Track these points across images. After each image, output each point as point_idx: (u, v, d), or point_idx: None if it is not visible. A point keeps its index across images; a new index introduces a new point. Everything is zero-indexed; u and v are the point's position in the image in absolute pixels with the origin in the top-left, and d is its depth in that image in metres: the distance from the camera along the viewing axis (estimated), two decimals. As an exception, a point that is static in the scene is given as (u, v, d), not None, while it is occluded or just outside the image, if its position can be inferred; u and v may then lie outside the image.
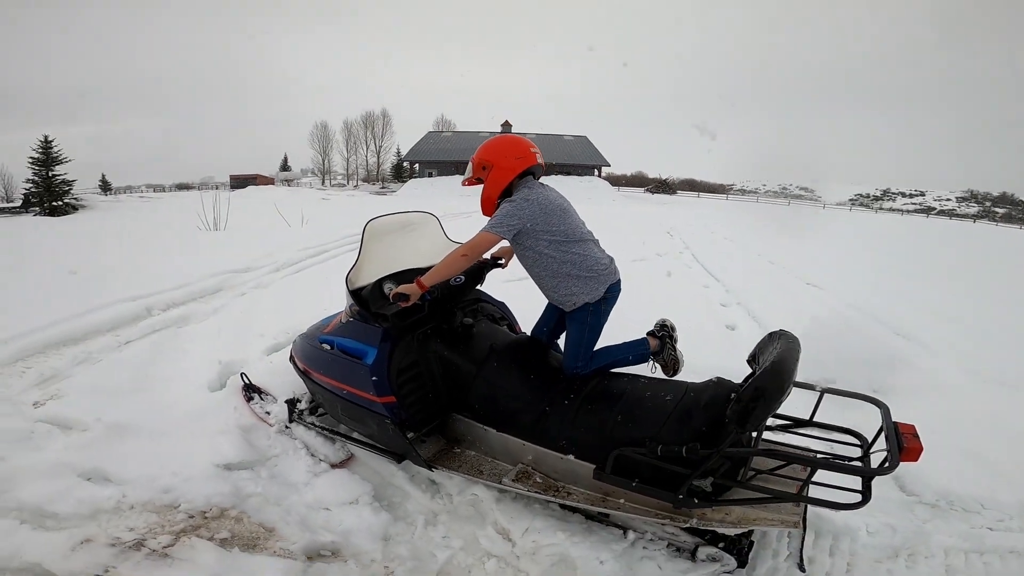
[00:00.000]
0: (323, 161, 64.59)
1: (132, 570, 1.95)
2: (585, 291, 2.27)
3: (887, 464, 1.61)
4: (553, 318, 2.52)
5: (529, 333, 2.72)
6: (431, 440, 2.55)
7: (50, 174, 23.60)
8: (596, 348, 2.36)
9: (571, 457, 2.12)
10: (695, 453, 1.80)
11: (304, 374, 2.80)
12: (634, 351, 2.42)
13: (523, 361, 2.42)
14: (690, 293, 6.21)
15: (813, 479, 1.75)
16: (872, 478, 1.65)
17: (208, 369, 3.66)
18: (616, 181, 55.37)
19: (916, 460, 1.67)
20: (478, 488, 2.44)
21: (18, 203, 24.70)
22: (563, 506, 2.27)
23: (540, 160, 2.37)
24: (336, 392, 2.54)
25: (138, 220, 16.63)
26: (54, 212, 22.70)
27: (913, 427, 1.74)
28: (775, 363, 1.78)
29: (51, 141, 24.13)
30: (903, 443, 1.66)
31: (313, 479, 2.57)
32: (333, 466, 2.68)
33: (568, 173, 39.51)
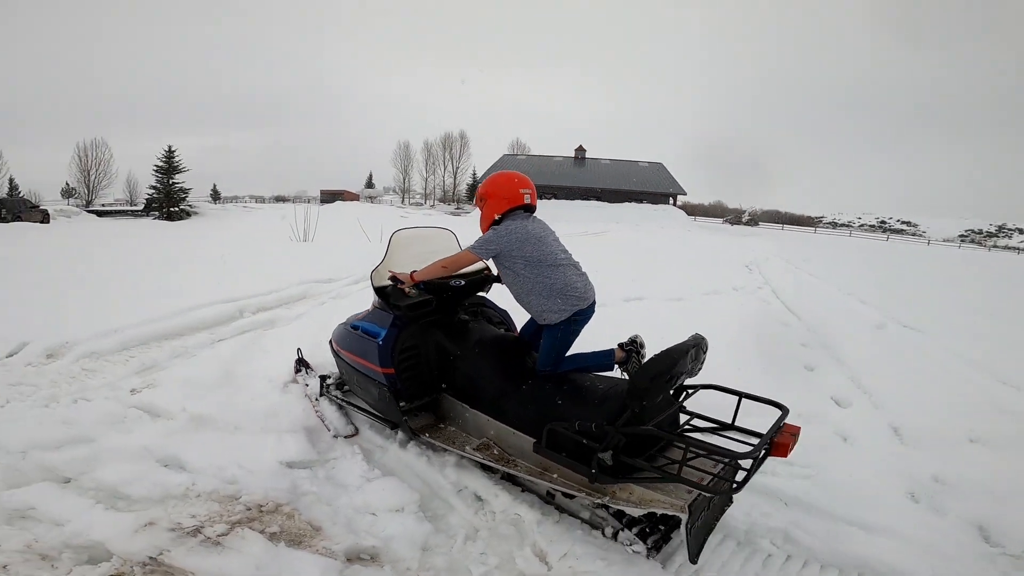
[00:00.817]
0: (403, 180, 68.00)
1: (185, 555, 2.09)
2: (553, 309, 2.57)
3: (753, 451, 1.85)
4: (535, 324, 2.81)
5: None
6: (423, 415, 2.97)
7: (170, 182, 26.46)
8: (569, 353, 2.67)
9: (520, 432, 2.47)
10: (601, 429, 2.08)
11: (336, 353, 3.33)
12: (599, 360, 2.70)
13: (500, 353, 2.81)
14: (767, 330, 5.84)
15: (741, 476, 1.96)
16: (733, 460, 1.86)
17: (285, 371, 3.92)
18: (692, 210, 53.73)
19: (784, 455, 1.97)
20: (522, 508, 2.46)
21: (141, 207, 27.83)
22: (569, 512, 2.48)
23: (528, 200, 2.70)
24: (353, 365, 3.06)
25: (240, 228, 18.33)
26: (171, 217, 25.50)
27: (798, 428, 2.05)
28: (656, 355, 2.15)
29: (174, 151, 27.09)
30: (775, 439, 1.96)
31: (365, 484, 2.66)
32: (346, 438, 3.08)
33: (641, 200, 38.86)
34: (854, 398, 4.10)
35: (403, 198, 68.31)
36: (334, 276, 8.08)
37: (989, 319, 7.49)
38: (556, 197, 39.05)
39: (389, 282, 2.85)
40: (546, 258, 2.59)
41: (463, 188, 66.27)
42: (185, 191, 26.73)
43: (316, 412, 3.30)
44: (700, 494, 2.00)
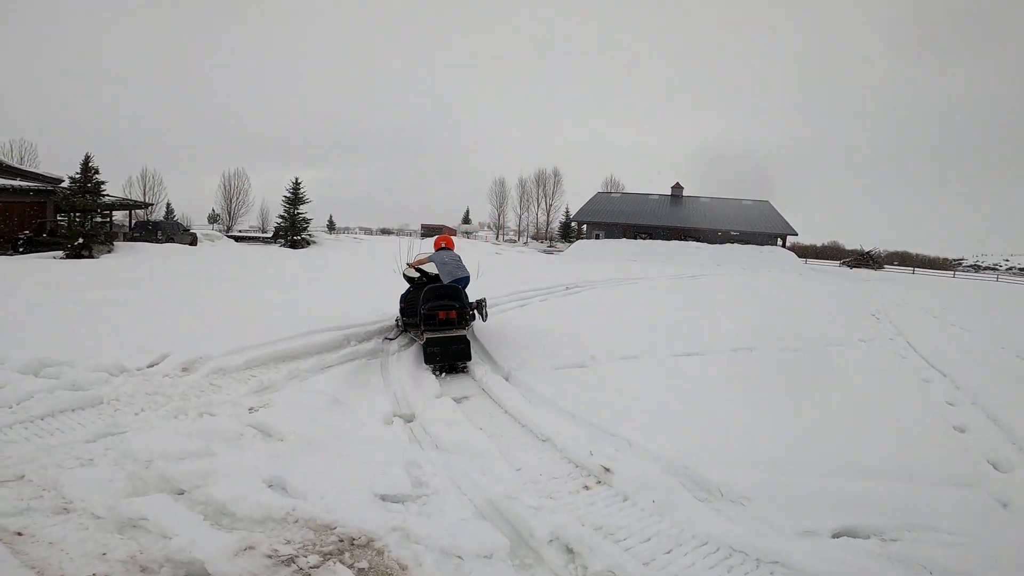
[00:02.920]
0: (498, 216, 70.34)
1: (276, 584, 2.09)
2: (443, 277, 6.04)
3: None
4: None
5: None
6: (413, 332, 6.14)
7: (295, 212, 29.27)
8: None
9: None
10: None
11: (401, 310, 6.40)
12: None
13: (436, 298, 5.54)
14: (905, 386, 5.06)
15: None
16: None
17: (386, 404, 4.06)
18: (804, 252, 49.62)
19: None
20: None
21: (271, 234, 31.11)
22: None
23: (444, 246, 6.40)
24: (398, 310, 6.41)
25: (352, 258, 19.88)
26: (294, 245, 28.22)
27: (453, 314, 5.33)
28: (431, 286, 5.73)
29: (299, 183, 29.98)
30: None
31: (457, 523, 2.58)
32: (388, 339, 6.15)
33: (746, 242, 36.58)
34: (1017, 461, 3.52)
35: (497, 234, 70.53)
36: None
37: None
38: (652, 236, 38.04)
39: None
40: (444, 265, 6.03)
41: (556, 226, 66.95)
42: (307, 221, 29.32)
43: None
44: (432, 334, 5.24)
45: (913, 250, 67.72)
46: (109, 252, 19.47)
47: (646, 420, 3.75)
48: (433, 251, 6.24)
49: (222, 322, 6.34)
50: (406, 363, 5.38)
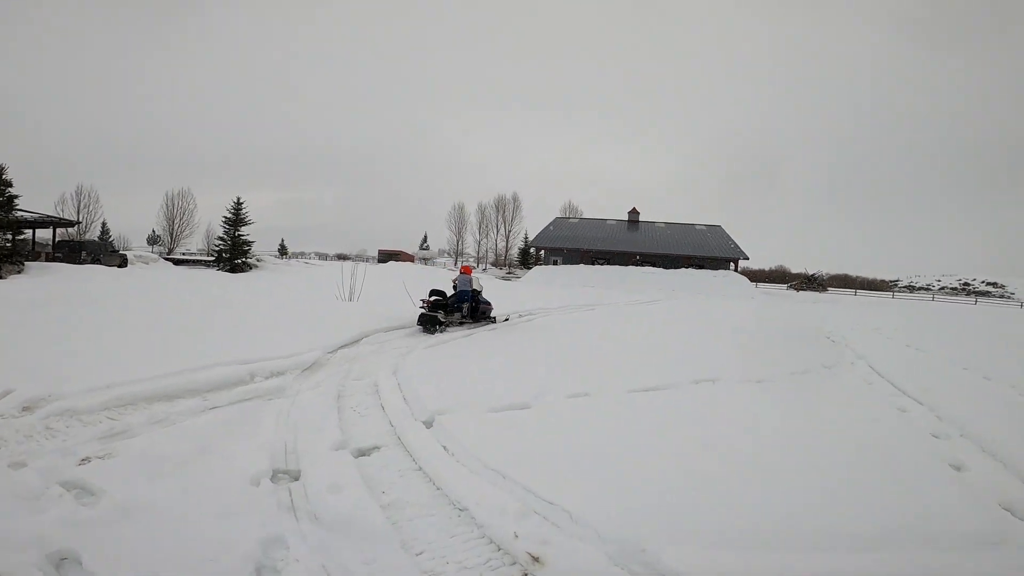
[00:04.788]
0: (457, 242, 69.56)
1: None
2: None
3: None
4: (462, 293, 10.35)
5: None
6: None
7: (236, 234, 27.39)
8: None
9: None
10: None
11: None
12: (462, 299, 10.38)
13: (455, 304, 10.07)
14: (882, 419, 4.56)
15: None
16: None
17: (263, 458, 3.16)
18: (754, 276, 51.10)
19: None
20: None
21: (215, 257, 28.88)
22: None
23: (462, 272, 10.75)
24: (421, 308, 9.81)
25: (295, 284, 18.57)
26: (234, 269, 26.34)
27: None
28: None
29: (241, 203, 28.16)
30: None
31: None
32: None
33: (701, 266, 37.21)
34: None
35: (456, 260, 69.73)
36: (368, 332, 7.52)
37: None
38: (609, 262, 38.17)
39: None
40: (462, 283, 10.32)
41: (515, 252, 66.77)
42: (249, 243, 27.42)
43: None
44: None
45: (852, 272, 71.38)
46: (19, 273, 17.53)
47: (595, 478, 3.00)
48: (459, 274, 10.61)
49: (97, 354, 5.28)
50: (316, 403, 4.46)
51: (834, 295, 43.87)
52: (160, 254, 35.72)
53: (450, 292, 10.20)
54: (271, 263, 31.25)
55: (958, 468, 3.51)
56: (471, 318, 10.07)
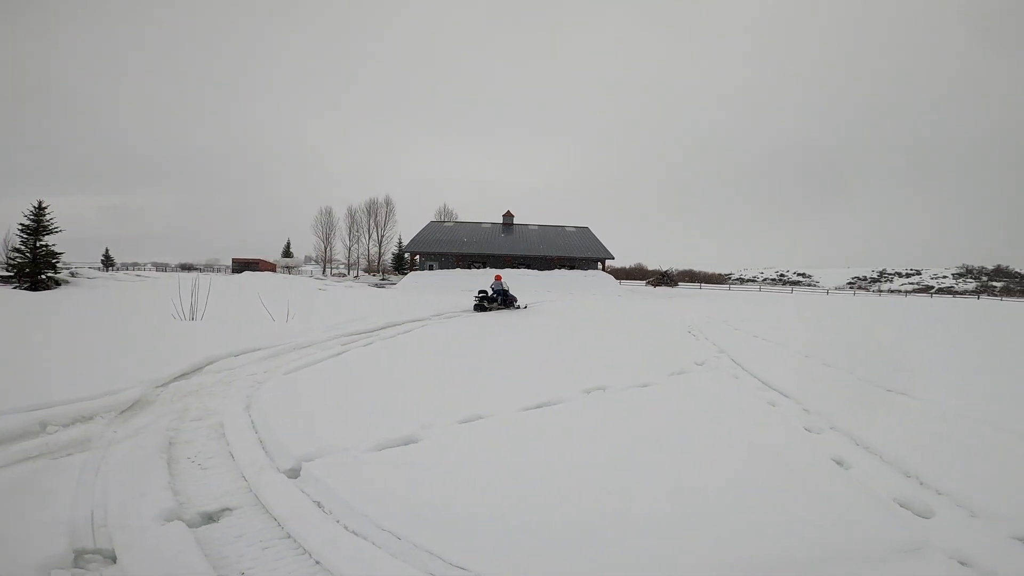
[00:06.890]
0: (325, 249, 65.01)
1: None
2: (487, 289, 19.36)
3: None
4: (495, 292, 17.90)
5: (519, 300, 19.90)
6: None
7: (37, 244, 22.34)
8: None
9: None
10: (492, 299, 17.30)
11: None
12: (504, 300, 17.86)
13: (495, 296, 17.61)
14: (764, 418, 4.77)
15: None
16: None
17: (59, 535, 2.19)
18: (617, 274, 55.30)
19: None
20: None
21: (12, 273, 23.18)
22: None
23: (496, 278, 18.37)
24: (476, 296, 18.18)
25: (118, 302, 15.39)
26: (36, 286, 21.41)
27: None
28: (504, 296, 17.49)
29: (44, 208, 23.01)
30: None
31: None
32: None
33: (572, 267, 39.08)
34: (927, 499, 3.12)
35: (324, 268, 65.10)
36: (213, 358, 6.24)
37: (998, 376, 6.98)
38: (486, 265, 38.41)
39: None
40: (494, 286, 17.99)
41: (389, 257, 64.23)
42: (55, 255, 22.48)
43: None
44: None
45: (697, 268, 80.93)
46: None
47: (502, 526, 2.56)
48: (494, 280, 17.60)
49: None
50: (138, 455, 3.39)
51: (684, 289, 49.11)
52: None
53: (490, 292, 17.45)
54: (88, 278, 26.02)
55: (841, 463, 3.69)
56: (504, 306, 17.17)
